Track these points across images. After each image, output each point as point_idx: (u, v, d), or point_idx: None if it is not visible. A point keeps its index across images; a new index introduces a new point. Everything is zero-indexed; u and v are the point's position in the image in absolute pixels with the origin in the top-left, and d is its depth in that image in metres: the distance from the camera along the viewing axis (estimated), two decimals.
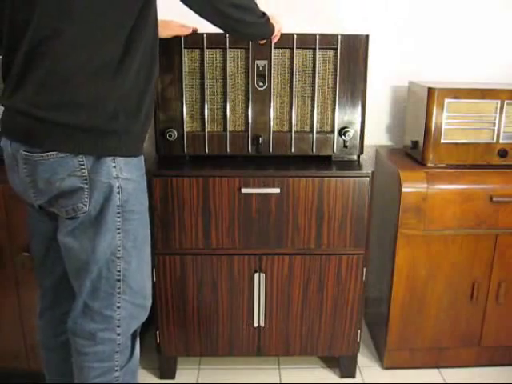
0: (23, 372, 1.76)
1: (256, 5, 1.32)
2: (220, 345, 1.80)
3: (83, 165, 1.12)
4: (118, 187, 1.16)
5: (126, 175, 1.17)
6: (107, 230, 1.18)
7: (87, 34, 1.08)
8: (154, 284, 1.70)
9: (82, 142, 1.11)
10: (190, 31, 1.58)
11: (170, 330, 1.77)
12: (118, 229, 1.19)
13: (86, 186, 1.14)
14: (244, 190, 1.62)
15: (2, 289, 1.67)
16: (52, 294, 1.38)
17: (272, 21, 1.42)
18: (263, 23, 1.37)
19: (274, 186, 1.62)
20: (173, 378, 1.88)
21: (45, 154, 1.11)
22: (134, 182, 1.21)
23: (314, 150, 1.70)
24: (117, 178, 1.16)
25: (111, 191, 1.16)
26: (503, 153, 1.76)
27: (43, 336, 1.43)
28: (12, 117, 1.13)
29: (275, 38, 1.52)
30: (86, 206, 1.15)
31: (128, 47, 1.13)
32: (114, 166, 1.15)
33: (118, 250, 1.20)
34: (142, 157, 1.25)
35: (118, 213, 1.18)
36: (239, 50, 1.62)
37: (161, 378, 1.88)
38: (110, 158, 1.15)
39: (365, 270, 1.72)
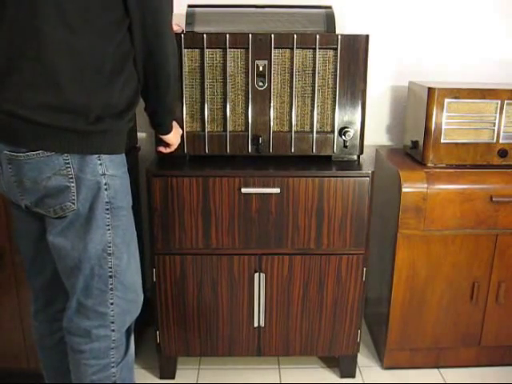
0: (23, 372, 1.77)
1: (175, 105, 1.37)
2: (220, 345, 1.80)
3: (68, 163, 1.12)
4: (106, 184, 1.17)
5: (111, 172, 1.18)
6: (97, 227, 1.18)
7: (76, 40, 1.07)
8: (154, 284, 1.71)
9: (67, 141, 1.11)
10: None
11: (170, 330, 1.77)
12: (108, 225, 1.19)
13: (73, 185, 1.14)
14: (244, 190, 1.62)
15: (2, 289, 1.67)
16: (45, 294, 1.38)
17: (175, 127, 1.45)
18: (171, 113, 1.37)
19: (273, 186, 1.62)
20: (173, 378, 1.88)
21: (30, 153, 1.10)
22: (120, 179, 1.21)
23: (314, 150, 1.70)
24: (103, 175, 1.16)
25: (99, 188, 1.16)
26: (503, 153, 1.76)
27: (39, 335, 1.43)
28: None
29: (169, 147, 1.50)
30: (74, 203, 1.15)
31: (115, 58, 1.12)
32: (100, 164, 1.16)
33: (109, 247, 1.21)
34: (124, 154, 1.25)
35: (107, 209, 1.18)
36: (239, 50, 1.61)
37: (161, 378, 1.88)
38: (96, 156, 1.15)
39: (365, 269, 1.72)
